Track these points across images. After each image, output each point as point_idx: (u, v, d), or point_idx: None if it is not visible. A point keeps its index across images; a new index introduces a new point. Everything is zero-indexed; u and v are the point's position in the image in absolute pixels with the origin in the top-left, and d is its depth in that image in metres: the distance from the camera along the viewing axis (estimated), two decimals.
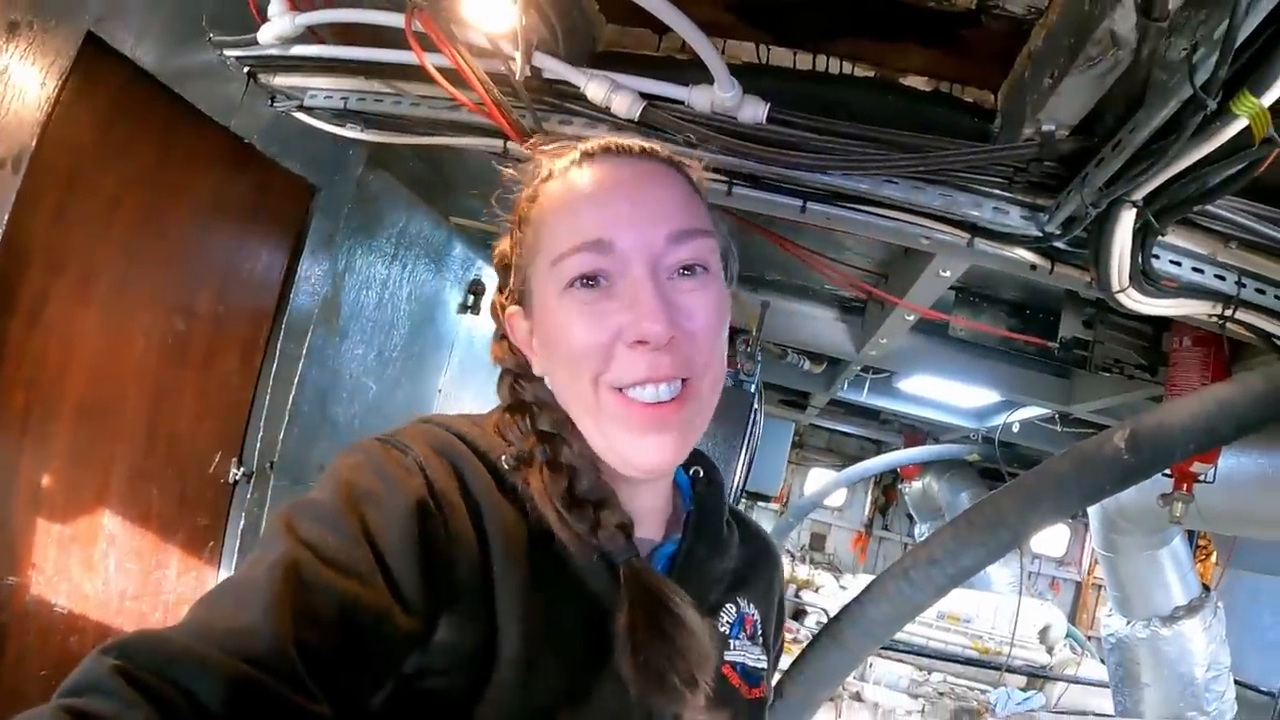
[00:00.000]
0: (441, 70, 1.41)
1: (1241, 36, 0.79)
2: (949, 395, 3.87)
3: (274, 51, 1.72)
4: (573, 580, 0.69)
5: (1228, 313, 1.30)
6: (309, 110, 1.82)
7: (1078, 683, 4.56)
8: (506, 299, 0.79)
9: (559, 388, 0.74)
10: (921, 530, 6.79)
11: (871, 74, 1.42)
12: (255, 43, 1.71)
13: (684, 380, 0.69)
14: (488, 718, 0.62)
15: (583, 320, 0.69)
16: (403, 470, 0.64)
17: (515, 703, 0.63)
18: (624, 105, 1.34)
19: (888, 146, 1.27)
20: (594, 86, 1.35)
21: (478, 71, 1.38)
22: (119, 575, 2.01)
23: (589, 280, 0.69)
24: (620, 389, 0.69)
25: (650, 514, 0.79)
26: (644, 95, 1.34)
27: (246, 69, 1.82)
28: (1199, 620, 2.89)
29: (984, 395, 3.69)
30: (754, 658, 0.82)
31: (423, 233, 3.09)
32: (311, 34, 1.67)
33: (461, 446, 0.69)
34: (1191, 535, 3.53)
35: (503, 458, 0.70)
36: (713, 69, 1.27)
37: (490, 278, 3.75)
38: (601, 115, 1.39)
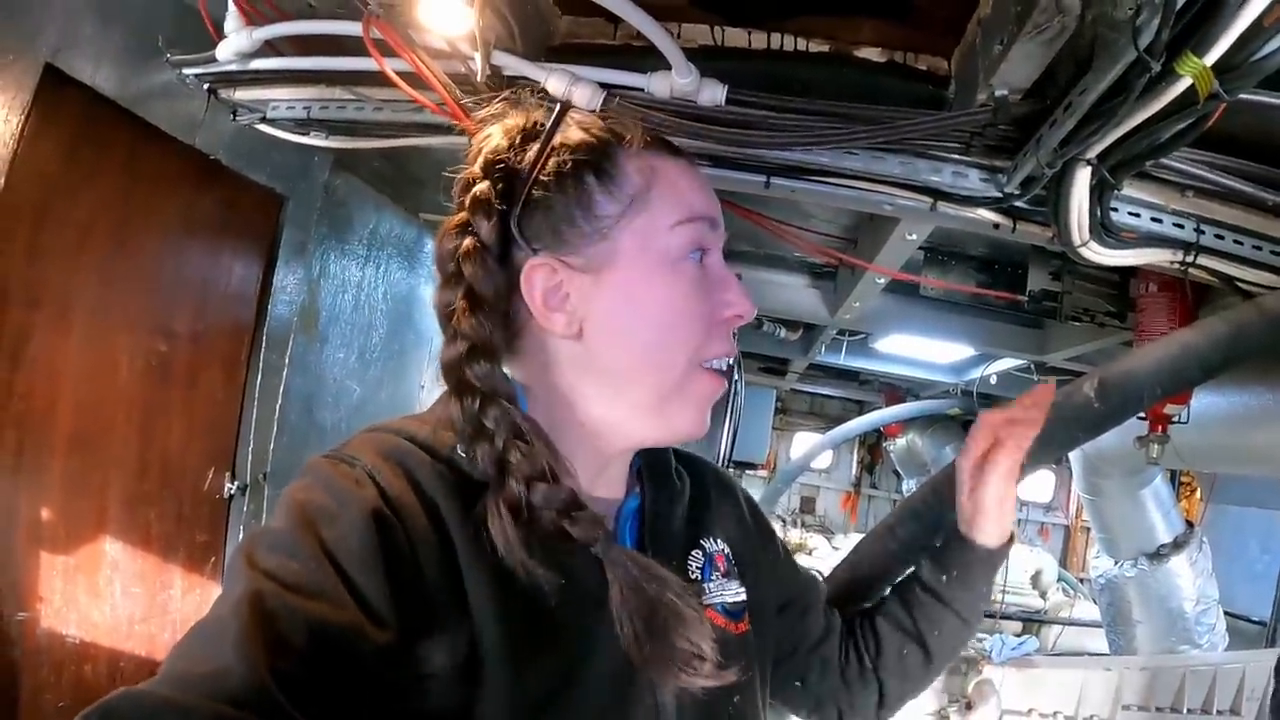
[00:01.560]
0: (401, 74, 1.40)
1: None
2: (925, 352, 3.89)
3: (233, 67, 1.70)
4: (549, 562, 0.67)
5: (1189, 259, 1.32)
6: (272, 122, 1.80)
7: (1072, 624, 4.63)
8: (484, 251, 0.70)
9: (621, 354, 0.72)
10: (909, 485, 6.78)
11: (826, 48, 1.41)
12: (214, 60, 1.69)
13: None
14: (496, 711, 0.62)
15: (695, 293, 0.72)
16: (353, 483, 0.63)
17: (513, 696, 0.63)
18: (585, 97, 1.33)
19: (846, 119, 1.27)
20: (554, 81, 1.34)
21: (438, 74, 1.38)
22: (125, 600, 2.01)
23: (701, 252, 0.74)
24: (703, 365, 0.73)
25: (617, 477, 0.80)
26: (604, 85, 1.34)
27: (207, 86, 1.79)
28: (1185, 556, 2.92)
29: (959, 350, 3.70)
30: (732, 593, 0.82)
31: (394, 232, 3.09)
32: (269, 47, 1.65)
33: (410, 446, 0.67)
34: (1174, 474, 3.59)
35: (455, 448, 0.68)
36: (668, 55, 1.27)
37: None
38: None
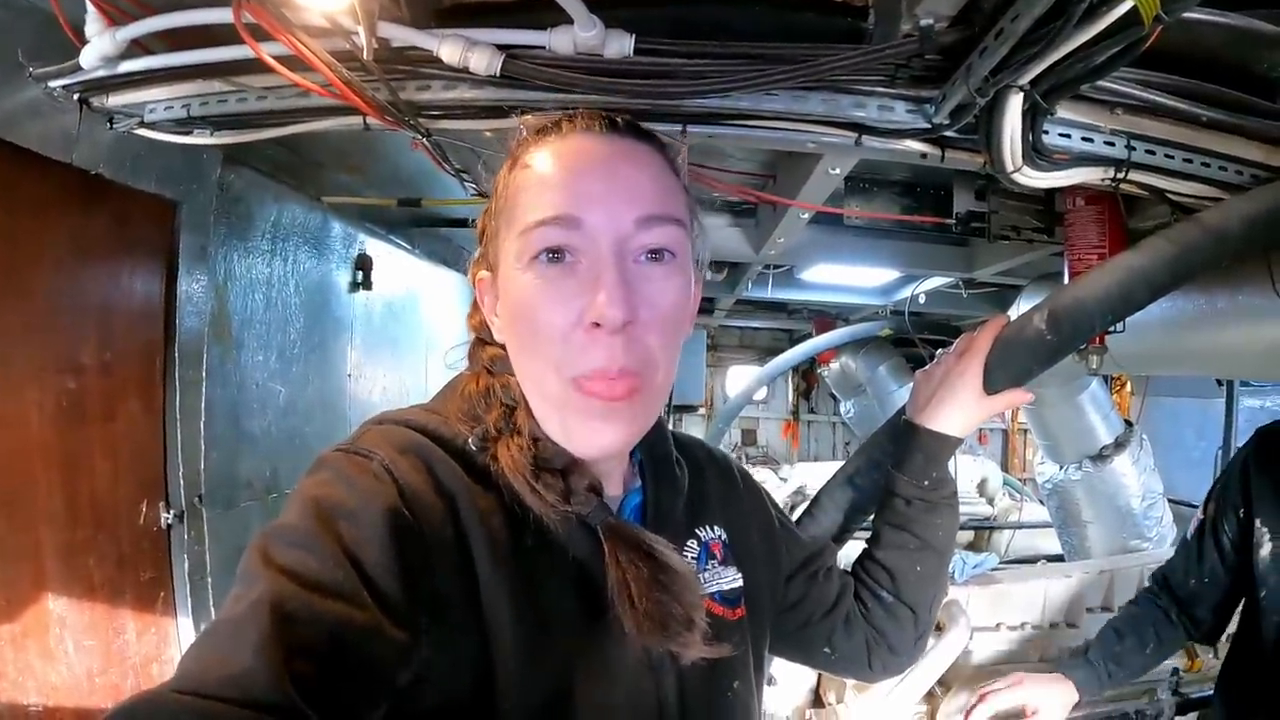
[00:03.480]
0: (281, 58, 1.27)
1: None
2: (853, 279, 3.88)
3: (101, 72, 1.53)
4: (557, 552, 0.68)
5: (1120, 175, 1.29)
6: (151, 125, 1.63)
7: (1022, 528, 4.76)
8: (480, 265, 0.78)
9: (516, 360, 0.72)
10: (847, 407, 6.83)
11: None
12: (79, 68, 1.52)
13: (636, 373, 0.67)
14: (504, 711, 0.62)
15: (545, 297, 0.67)
16: (371, 478, 0.62)
17: (525, 692, 0.63)
18: (482, 62, 1.23)
19: (763, 61, 1.18)
20: (447, 47, 1.23)
21: (320, 54, 1.25)
22: (80, 655, 1.90)
23: (554, 254, 0.67)
24: (578, 379, 0.67)
25: (613, 472, 0.78)
26: (501, 47, 1.23)
27: (77, 96, 1.62)
28: (1128, 454, 3.00)
29: (887, 274, 3.71)
30: (729, 580, 0.83)
31: (297, 220, 2.94)
32: (138, 46, 1.48)
33: (425, 441, 0.67)
34: (1106, 374, 3.68)
35: (468, 441, 0.69)
36: (568, 8, 1.16)
37: (377, 249, 3.62)
38: (458, 75, 1.27)
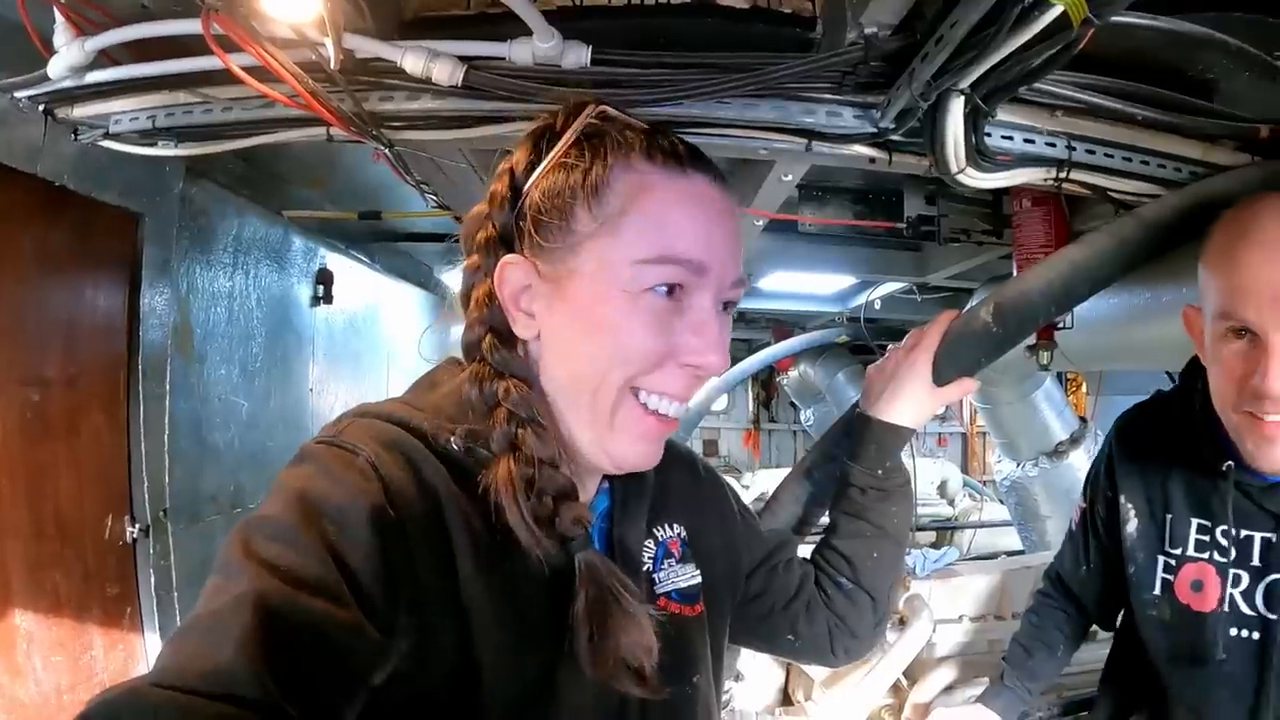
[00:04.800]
0: (248, 69, 1.26)
1: None
2: (809, 286, 3.92)
3: (68, 83, 1.51)
4: (532, 558, 0.67)
5: (1062, 175, 1.33)
6: (116, 136, 1.61)
7: (983, 526, 4.82)
8: (493, 231, 0.71)
9: (565, 365, 0.70)
10: (807, 415, 6.86)
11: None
12: (46, 78, 1.50)
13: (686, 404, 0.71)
14: (484, 704, 0.62)
15: (651, 328, 0.67)
16: (357, 475, 0.60)
17: (504, 691, 0.63)
18: (445, 73, 1.24)
19: (715, 70, 1.21)
20: (411, 59, 1.24)
21: (287, 65, 1.25)
22: (48, 672, 1.85)
23: (670, 289, 0.67)
24: (637, 393, 0.68)
25: (594, 479, 0.79)
26: (463, 59, 1.24)
27: (42, 107, 1.60)
28: (1083, 450, 3.07)
29: (842, 280, 3.75)
30: (685, 578, 0.83)
31: (259, 234, 2.91)
32: (105, 57, 1.47)
33: (409, 437, 0.65)
34: (1060, 372, 3.74)
35: (452, 440, 0.66)
36: (528, 20, 1.17)
37: (337, 264, 3.54)
38: (421, 86, 1.28)
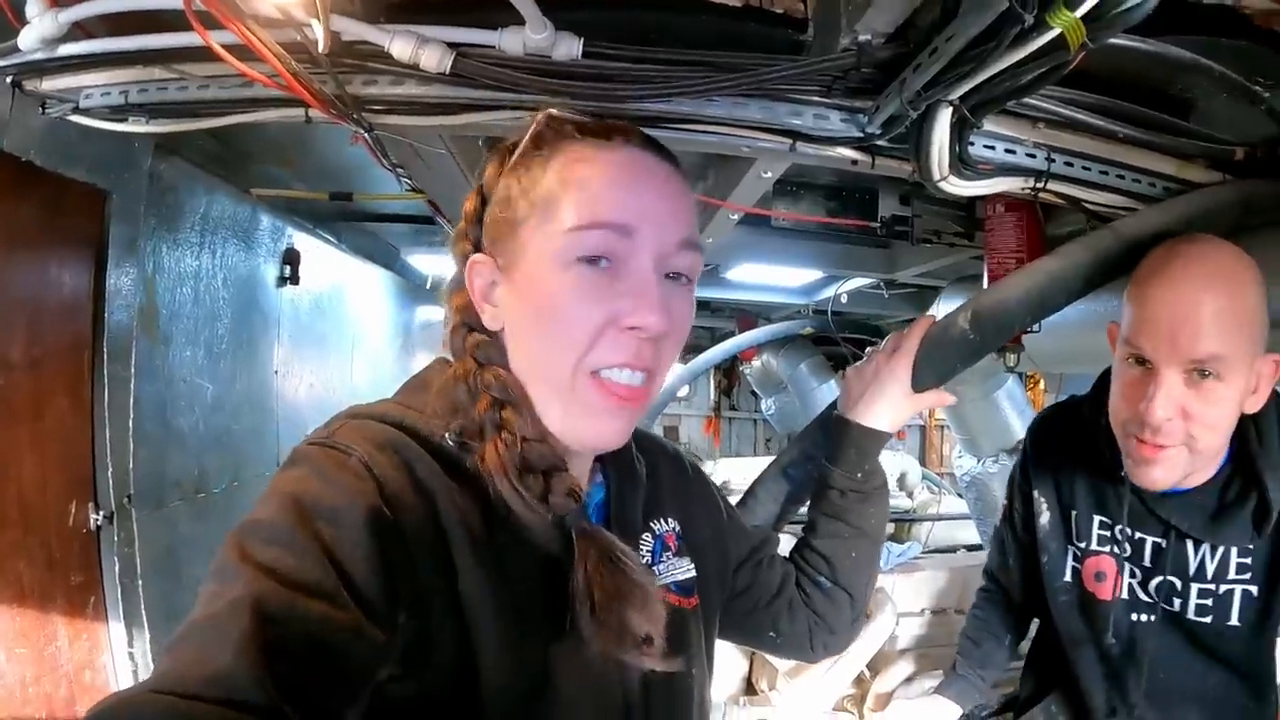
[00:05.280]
0: (229, 47, 1.22)
1: None
2: (777, 278, 3.92)
3: (39, 55, 1.45)
4: (532, 548, 0.68)
5: (1040, 185, 1.35)
6: (86, 111, 1.56)
7: (941, 519, 4.90)
8: (467, 244, 0.76)
9: (523, 351, 0.72)
10: (768, 404, 6.79)
11: None
12: (16, 49, 1.44)
13: (648, 373, 0.70)
14: (481, 708, 0.62)
15: (585, 295, 0.67)
16: (351, 476, 0.60)
17: (508, 678, 0.63)
18: (433, 59, 1.21)
19: (708, 68, 1.20)
20: (399, 43, 1.21)
21: (270, 44, 1.21)
22: (13, 664, 1.79)
23: (596, 258, 0.67)
24: (595, 372, 0.68)
25: (584, 470, 0.79)
26: (452, 45, 1.21)
27: (10, 79, 1.53)
28: None
29: (810, 273, 3.75)
30: (682, 570, 0.84)
31: (226, 213, 2.83)
32: (79, 29, 1.41)
33: (402, 436, 0.66)
34: (1021, 373, 3.82)
35: (445, 436, 0.68)
36: (521, 9, 1.15)
37: (304, 244, 3.47)
38: (407, 71, 1.25)
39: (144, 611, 2.17)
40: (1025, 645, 1.57)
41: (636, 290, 0.67)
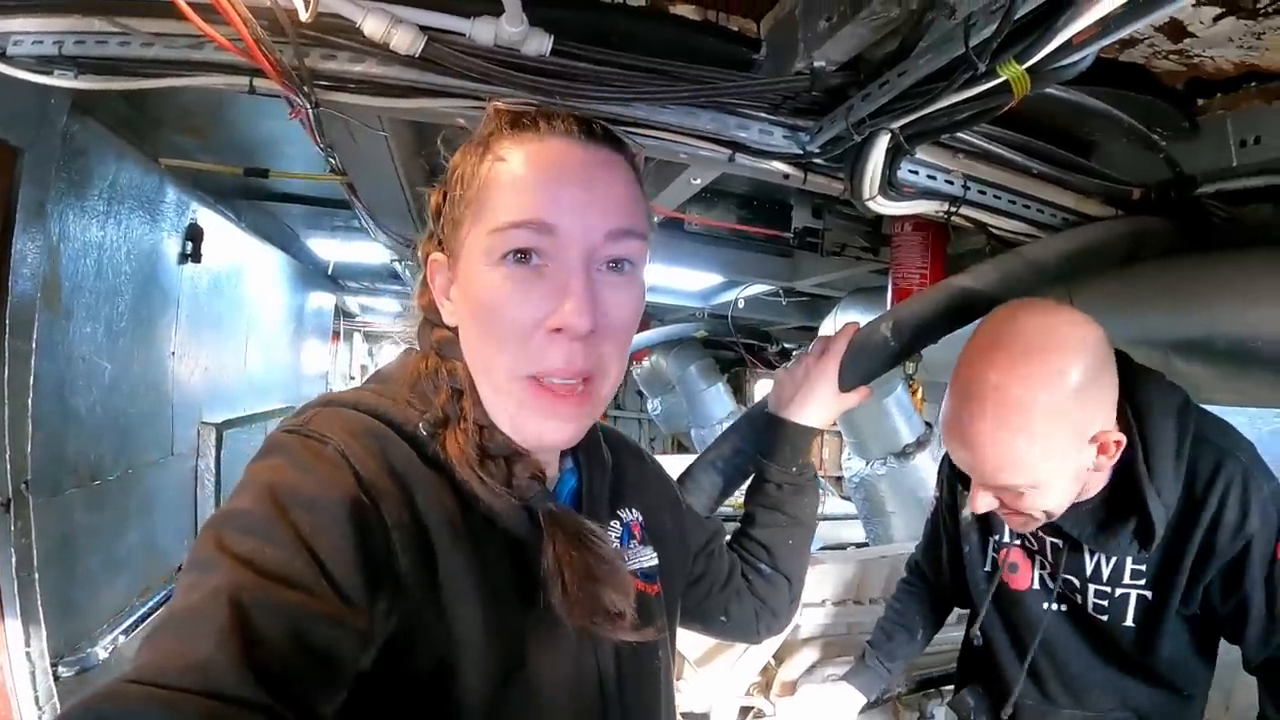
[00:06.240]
0: (193, 5, 1.16)
1: (1018, 14, 0.85)
2: (678, 281, 3.99)
3: None
4: (504, 534, 0.69)
5: (954, 209, 1.50)
6: (11, 60, 1.44)
7: (826, 520, 5.10)
8: (431, 244, 0.77)
9: (470, 348, 0.72)
10: (654, 404, 6.89)
11: (643, 3, 1.38)
12: None
13: (585, 378, 0.69)
14: (462, 691, 0.62)
15: (511, 297, 0.67)
16: (328, 465, 0.60)
17: (488, 663, 0.63)
18: (405, 40, 1.19)
19: (668, 77, 1.25)
20: (372, 21, 1.18)
21: (238, 6, 1.16)
22: None
23: (522, 255, 0.67)
24: (533, 376, 0.68)
25: (551, 458, 0.80)
26: (424, 29, 1.21)
27: None
28: (928, 452, 3.32)
29: (711, 277, 3.83)
30: (647, 558, 0.86)
31: (134, 182, 2.66)
32: None
33: (379, 425, 0.66)
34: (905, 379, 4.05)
35: (419, 426, 0.68)
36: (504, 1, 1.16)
37: (208, 220, 3.31)
38: (370, 49, 1.23)
39: (40, 607, 2.00)
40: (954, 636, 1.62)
41: (560, 290, 0.66)
